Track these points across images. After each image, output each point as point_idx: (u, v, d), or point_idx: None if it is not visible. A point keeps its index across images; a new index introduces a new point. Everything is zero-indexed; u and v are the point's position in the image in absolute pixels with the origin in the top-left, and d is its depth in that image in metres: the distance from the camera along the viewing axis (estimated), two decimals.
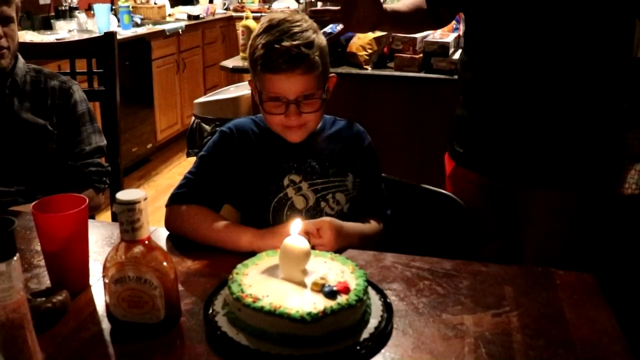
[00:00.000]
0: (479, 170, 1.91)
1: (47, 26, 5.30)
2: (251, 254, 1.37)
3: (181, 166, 5.56)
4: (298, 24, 1.59)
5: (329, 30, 3.34)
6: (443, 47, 3.26)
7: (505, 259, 1.91)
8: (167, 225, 1.64)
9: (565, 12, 1.66)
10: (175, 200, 1.64)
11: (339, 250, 1.51)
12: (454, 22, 3.72)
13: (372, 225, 1.71)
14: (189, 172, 1.69)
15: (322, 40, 1.63)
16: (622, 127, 1.86)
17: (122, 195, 1.14)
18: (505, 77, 1.77)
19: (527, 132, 1.78)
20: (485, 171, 1.89)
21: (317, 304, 1.14)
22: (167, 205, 1.65)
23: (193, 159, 4.36)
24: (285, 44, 1.54)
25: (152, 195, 4.83)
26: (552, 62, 1.70)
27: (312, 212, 1.68)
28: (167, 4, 6.58)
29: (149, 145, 5.53)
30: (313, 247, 1.37)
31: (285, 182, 1.67)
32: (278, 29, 1.57)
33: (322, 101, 1.63)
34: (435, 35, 3.43)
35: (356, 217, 1.71)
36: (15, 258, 1.01)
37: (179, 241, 1.60)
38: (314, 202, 1.68)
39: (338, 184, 1.71)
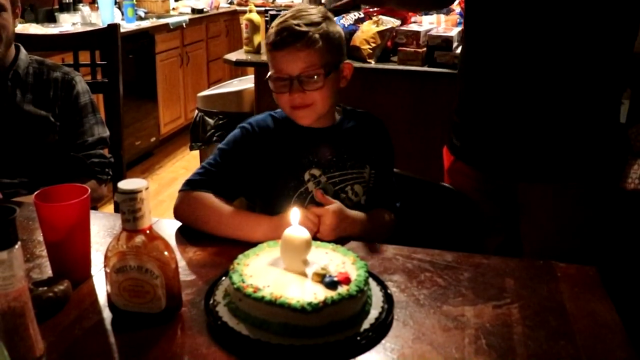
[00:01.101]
0: (476, 165, 1.91)
1: (51, 19, 5.30)
2: (253, 244, 1.37)
3: (185, 160, 5.56)
4: (308, 10, 1.67)
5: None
6: (447, 41, 3.25)
7: (505, 253, 1.91)
8: (178, 211, 1.63)
9: (567, 4, 1.65)
10: (191, 185, 1.64)
11: (340, 240, 1.51)
12: (457, 16, 3.72)
13: (380, 217, 1.71)
14: (207, 162, 1.69)
15: (332, 26, 1.68)
16: (619, 121, 1.86)
17: (124, 184, 1.14)
18: (503, 70, 1.77)
19: (523, 126, 1.77)
20: (482, 166, 1.89)
21: (317, 294, 1.15)
22: (181, 190, 1.65)
23: (197, 153, 4.40)
24: (289, 22, 1.62)
25: (156, 188, 4.83)
26: (551, 54, 1.69)
27: None
28: None
29: (153, 139, 5.54)
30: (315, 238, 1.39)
31: (306, 176, 1.68)
32: (289, 15, 1.66)
33: (326, 79, 1.64)
34: (439, 29, 3.42)
35: (369, 209, 1.72)
36: (16, 246, 1.02)
37: (182, 231, 1.61)
38: (333, 194, 1.69)
39: (356, 176, 1.72)
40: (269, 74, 1.68)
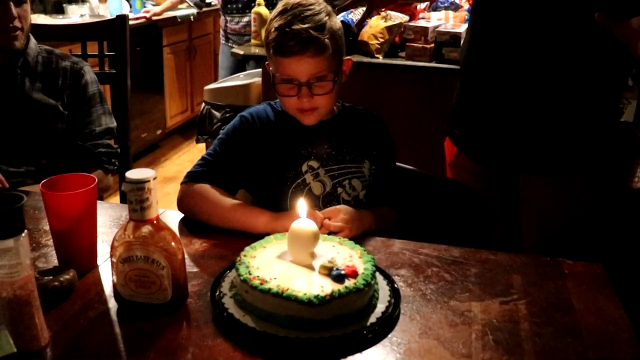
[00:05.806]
0: (476, 158, 1.91)
1: (59, 10, 5.29)
2: (260, 236, 1.37)
3: (190, 153, 5.56)
4: (311, 7, 1.61)
5: (341, 18, 3.32)
6: (455, 37, 3.23)
7: (507, 244, 1.91)
8: (181, 203, 1.64)
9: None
10: (193, 177, 1.64)
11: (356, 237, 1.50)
12: (466, 13, 3.70)
13: (380, 214, 1.70)
14: (207, 153, 1.70)
15: (335, 23, 1.65)
16: (619, 116, 1.86)
17: (132, 174, 1.14)
18: (505, 62, 1.78)
19: (522, 118, 1.79)
20: (482, 159, 1.89)
21: (324, 287, 1.14)
22: (183, 182, 1.65)
23: (202, 146, 4.40)
24: (296, 27, 1.56)
25: (161, 181, 4.83)
26: (553, 49, 1.70)
27: (329, 198, 1.68)
28: None
29: (159, 132, 5.53)
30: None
31: (304, 168, 1.68)
32: (290, 13, 1.59)
33: (334, 83, 1.63)
34: (447, 26, 3.41)
35: (371, 205, 1.71)
36: (23, 235, 1.02)
37: (188, 223, 1.61)
38: (331, 187, 1.69)
39: (354, 170, 1.72)
40: (273, 75, 1.65)
